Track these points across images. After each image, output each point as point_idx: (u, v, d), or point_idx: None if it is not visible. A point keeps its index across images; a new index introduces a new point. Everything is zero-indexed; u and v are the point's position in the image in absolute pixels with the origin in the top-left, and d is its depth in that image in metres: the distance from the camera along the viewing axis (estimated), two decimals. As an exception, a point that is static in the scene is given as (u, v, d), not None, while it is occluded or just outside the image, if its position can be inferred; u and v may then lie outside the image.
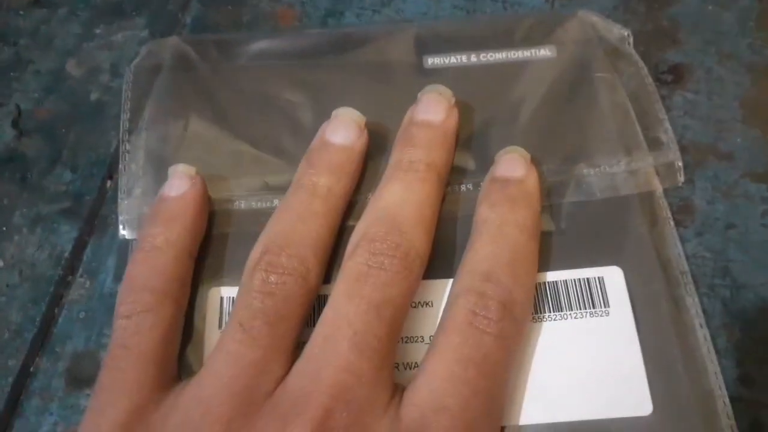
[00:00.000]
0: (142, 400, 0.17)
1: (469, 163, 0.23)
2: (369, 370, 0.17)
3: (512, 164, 0.21)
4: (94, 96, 0.25)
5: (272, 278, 0.18)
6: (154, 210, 0.20)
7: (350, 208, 0.21)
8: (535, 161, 0.22)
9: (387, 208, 0.20)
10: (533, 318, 0.20)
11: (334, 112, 0.22)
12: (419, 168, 0.20)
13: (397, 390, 0.18)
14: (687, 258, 0.22)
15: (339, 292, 0.18)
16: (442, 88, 0.22)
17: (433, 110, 0.22)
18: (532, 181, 0.21)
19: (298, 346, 0.18)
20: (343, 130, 0.21)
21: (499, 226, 0.20)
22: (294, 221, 0.19)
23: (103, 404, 0.17)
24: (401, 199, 0.20)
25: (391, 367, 0.18)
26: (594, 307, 0.20)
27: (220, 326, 0.20)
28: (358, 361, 0.17)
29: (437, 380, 0.17)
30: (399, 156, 0.21)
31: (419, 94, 0.22)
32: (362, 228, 0.19)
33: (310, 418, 0.16)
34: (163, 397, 0.18)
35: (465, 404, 0.17)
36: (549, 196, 0.22)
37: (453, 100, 0.22)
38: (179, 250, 0.19)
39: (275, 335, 0.18)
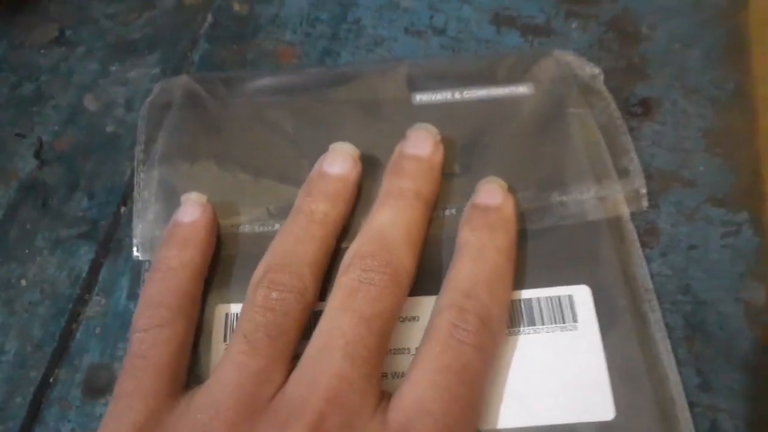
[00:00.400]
0: (158, 405, 0.19)
1: (453, 191, 0.25)
2: (360, 377, 0.19)
3: (491, 193, 0.23)
4: (109, 128, 0.27)
5: (274, 294, 0.20)
6: (169, 234, 0.22)
7: (344, 231, 0.24)
8: (513, 189, 0.24)
9: (378, 229, 0.22)
10: (510, 331, 0.22)
11: (331, 146, 0.24)
12: (408, 195, 0.22)
13: (385, 396, 0.20)
14: (652, 276, 0.24)
15: (333, 306, 0.20)
16: (429, 126, 0.24)
17: (421, 145, 0.24)
18: (509, 209, 0.23)
19: (295, 356, 0.20)
20: (339, 162, 0.23)
21: (479, 248, 0.22)
22: (294, 243, 0.22)
23: (122, 408, 0.19)
24: (391, 222, 0.22)
25: (380, 375, 0.20)
26: (564, 322, 0.22)
27: (225, 340, 0.22)
28: (350, 369, 0.19)
29: (421, 388, 0.19)
30: (389, 185, 0.23)
31: (408, 131, 0.24)
32: (355, 247, 0.21)
33: (306, 423, 0.18)
34: (176, 404, 0.19)
35: (446, 409, 0.19)
36: (525, 222, 0.24)
37: (438, 137, 0.24)
38: (192, 271, 0.22)
39: (276, 346, 0.20)
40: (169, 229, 0.23)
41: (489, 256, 0.22)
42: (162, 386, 0.19)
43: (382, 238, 0.21)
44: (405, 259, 0.21)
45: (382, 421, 0.19)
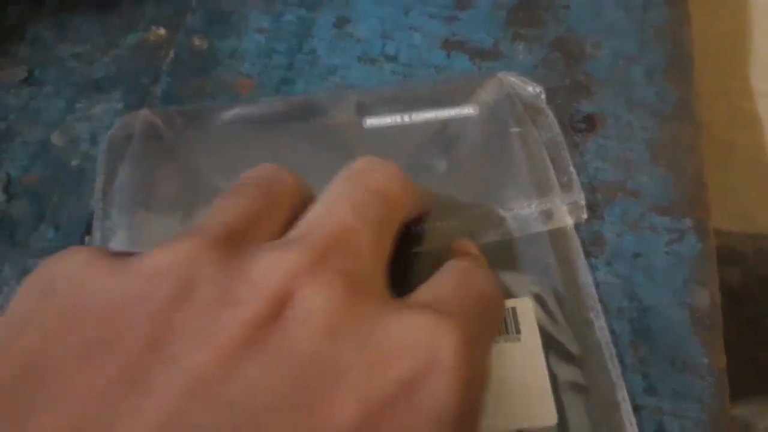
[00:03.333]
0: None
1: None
2: (369, 244, 0.17)
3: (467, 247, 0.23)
4: (75, 163, 0.28)
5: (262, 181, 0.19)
6: None
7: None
8: (461, 206, 0.25)
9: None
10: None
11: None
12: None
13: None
14: (598, 285, 0.25)
15: (333, 184, 0.19)
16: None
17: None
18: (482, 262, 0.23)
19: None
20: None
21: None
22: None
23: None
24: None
25: (386, 275, 0.18)
26: (508, 333, 0.23)
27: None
28: (359, 225, 0.17)
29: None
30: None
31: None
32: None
33: (311, 246, 0.16)
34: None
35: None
36: (473, 238, 0.25)
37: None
38: None
39: (268, 195, 0.18)
40: None
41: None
42: None
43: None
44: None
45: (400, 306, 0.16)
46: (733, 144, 0.64)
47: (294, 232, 0.17)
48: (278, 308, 0.15)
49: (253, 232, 0.17)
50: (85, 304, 0.15)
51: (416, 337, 0.15)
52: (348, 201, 0.18)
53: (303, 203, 0.19)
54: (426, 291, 0.17)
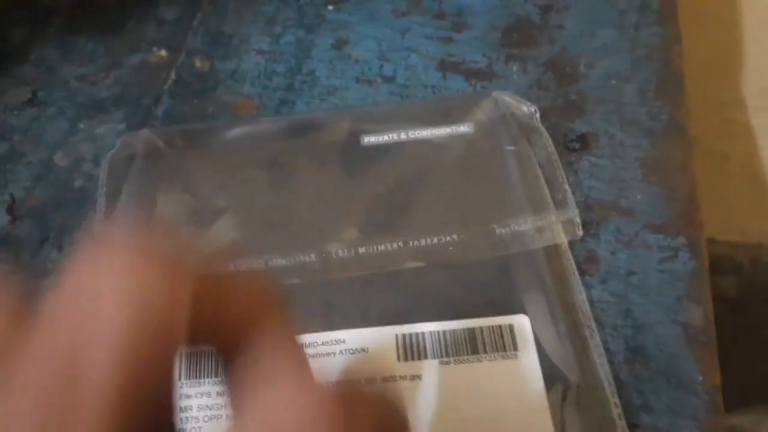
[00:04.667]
0: None
1: (400, 225, 0.26)
2: None
3: None
4: (78, 183, 0.29)
5: None
6: None
7: None
8: (456, 223, 0.26)
9: None
10: (454, 359, 0.23)
11: None
12: None
13: None
14: (592, 303, 0.25)
15: None
16: None
17: None
18: None
19: None
20: None
21: None
22: None
23: None
24: None
25: None
26: (505, 351, 0.23)
27: (179, 378, 0.23)
28: None
29: None
30: None
31: None
32: None
33: None
34: None
35: None
36: (468, 254, 0.25)
37: None
38: None
39: None
40: None
41: None
42: None
43: None
44: None
45: None
46: (727, 156, 0.65)
47: None
48: None
49: None
50: None
51: None
52: None
53: None
54: None
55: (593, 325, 0.24)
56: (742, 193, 0.67)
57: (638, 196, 0.28)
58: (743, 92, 0.59)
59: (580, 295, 0.25)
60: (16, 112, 0.31)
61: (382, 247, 0.25)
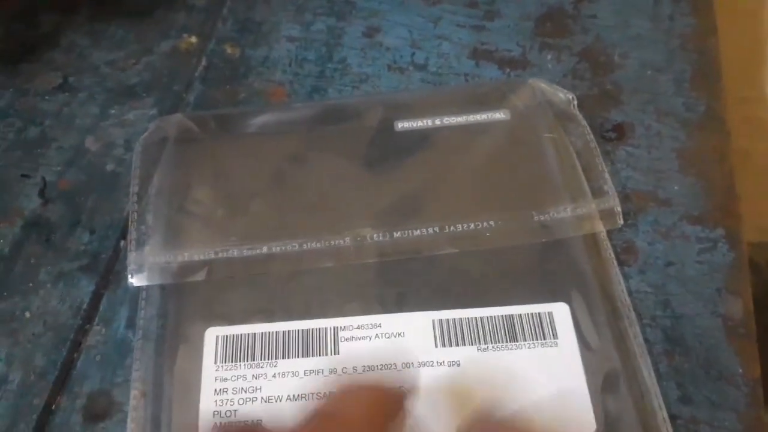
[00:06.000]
0: None
1: (437, 210, 0.26)
2: None
3: None
4: (109, 167, 0.29)
5: None
6: None
7: None
8: (494, 209, 0.25)
9: None
10: (493, 347, 0.23)
11: None
12: None
13: None
14: (631, 293, 0.25)
15: None
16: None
17: None
18: None
19: None
20: None
21: None
22: None
23: None
24: None
25: None
26: (545, 338, 0.23)
27: (215, 362, 0.23)
28: None
29: None
30: None
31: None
32: None
33: None
34: None
35: None
36: (505, 241, 0.25)
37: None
38: None
39: None
40: None
41: None
42: None
43: None
44: None
45: None
46: (749, 153, 0.64)
47: None
48: None
49: None
50: None
51: None
52: None
53: None
54: None
55: (632, 315, 0.24)
56: (762, 191, 0.67)
57: (675, 187, 0.28)
58: (766, 89, 0.58)
59: (619, 284, 0.24)
60: (47, 97, 0.31)
61: (418, 232, 0.25)
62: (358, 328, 0.23)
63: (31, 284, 0.26)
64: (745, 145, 0.64)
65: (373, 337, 0.23)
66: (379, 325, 0.23)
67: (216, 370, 0.22)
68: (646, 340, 0.24)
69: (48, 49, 0.33)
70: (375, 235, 0.25)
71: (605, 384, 0.22)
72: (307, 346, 0.23)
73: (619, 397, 0.22)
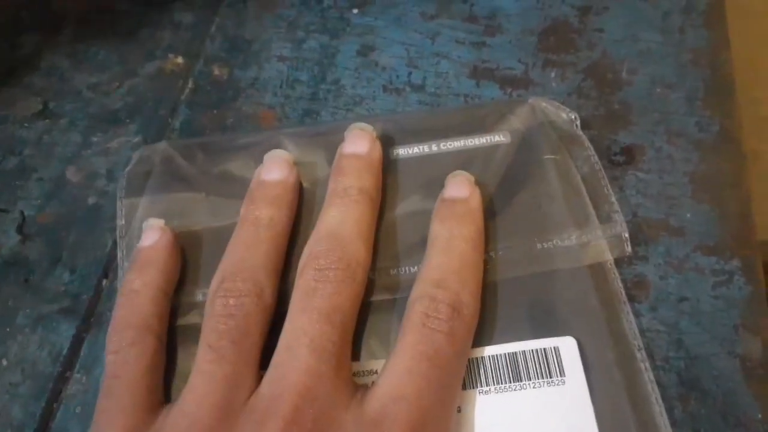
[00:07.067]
0: (135, 421, 0.20)
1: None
2: (328, 370, 0.20)
3: (459, 186, 0.24)
4: (91, 200, 0.27)
5: (231, 301, 0.21)
6: (132, 260, 0.23)
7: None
8: (494, 238, 0.24)
9: (328, 228, 0.23)
10: (495, 388, 0.22)
11: (265, 156, 0.25)
12: (352, 192, 0.23)
13: (360, 389, 0.20)
14: (642, 332, 0.23)
15: (294, 307, 0.21)
16: (364, 125, 0.26)
17: (359, 144, 0.25)
18: (475, 200, 0.24)
19: (262, 358, 0.21)
20: (276, 169, 0.25)
21: (448, 239, 0.23)
22: (244, 249, 0.22)
23: (101, 427, 0.20)
24: (340, 219, 0.23)
25: (349, 366, 0.21)
26: (551, 377, 0.22)
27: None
28: (317, 363, 0.20)
29: (395, 375, 0.20)
30: (333, 185, 0.24)
31: (345, 133, 0.25)
32: (308, 249, 0.22)
33: (281, 416, 0.19)
34: (154, 419, 0.20)
35: (419, 393, 0.19)
36: (506, 271, 0.24)
37: (374, 134, 0.25)
38: (154, 290, 0.22)
39: (241, 351, 0.20)
40: (132, 255, 0.23)
41: (457, 246, 0.22)
42: (137, 402, 0.20)
43: (332, 236, 0.22)
44: (357, 252, 0.22)
45: (358, 410, 0.19)
46: (758, 154, 0.63)
47: (264, 392, 0.20)
48: None
49: (235, 397, 0.20)
50: None
51: None
52: (304, 339, 0.20)
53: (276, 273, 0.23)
54: (381, 388, 0.20)
55: (644, 356, 0.22)
56: (772, 193, 0.65)
57: (688, 215, 0.26)
58: (776, 89, 0.56)
59: (629, 318, 0.23)
60: (26, 125, 0.30)
61: (413, 269, 0.24)
62: (355, 375, 0.22)
63: (8, 329, 0.25)
64: (755, 146, 0.62)
65: (370, 385, 0.22)
66: (375, 372, 0.22)
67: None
68: (659, 383, 0.22)
69: (27, 72, 0.31)
70: (369, 274, 0.23)
71: (616, 430, 0.21)
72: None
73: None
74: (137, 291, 0.22)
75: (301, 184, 0.26)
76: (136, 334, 0.21)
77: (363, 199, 0.23)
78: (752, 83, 0.56)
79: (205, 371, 0.20)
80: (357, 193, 0.23)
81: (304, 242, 0.23)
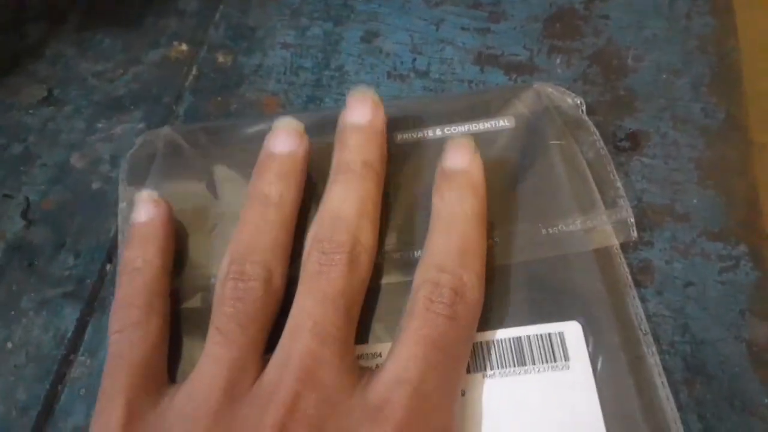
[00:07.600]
0: (139, 401, 0.20)
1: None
2: (331, 354, 0.20)
3: (458, 154, 0.23)
4: (95, 185, 0.27)
5: (240, 285, 0.21)
6: (129, 236, 0.23)
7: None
8: (499, 223, 0.24)
9: (332, 209, 0.22)
10: (500, 372, 0.22)
11: (273, 124, 0.24)
12: (355, 168, 0.23)
13: (366, 373, 0.20)
14: (648, 317, 0.23)
15: (300, 290, 0.21)
16: (364, 87, 0.24)
17: (360, 111, 0.24)
18: (476, 170, 0.23)
19: (274, 340, 0.21)
20: (284, 140, 0.24)
21: (448, 219, 0.22)
22: (253, 232, 0.22)
23: (105, 407, 0.20)
24: (343, 198, 0.22)
25: (353, 351, 0.21)
26: (555, 361, 0.21)
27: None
28: (320, 347, 0.19)
29: (399, 360, 0.20)
30: (337, 160, 0.23)
31: (347, 98, 0.24)
32: (312, 232, 0.22)
33: (282, 402, 0.18)
34: (159, 399, 0.20)
35: (423, 377, 0.19)
36: (512, 256, 0.24)
37: (377, 98, 0.24)
38: (156, 268, 0.22)
39: (248, 335, 0.20)
40: (129, 231, 0.23)
41: (458, 226, 0.22)
42: (141, 382, 0.20)
43: (336, 218, 0.22)
44: (361, 234, 0.22)
45: (362, 396, 0.19)
46: (765, 146, 0.62)
47: (268, 377, 0.20)
48: None
49: (241, 381, 0.20)
50: None
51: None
52: (308, 323, 0.20)
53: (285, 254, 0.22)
54: (385, 373, 0.20)
55: (651, 340, 0.22)
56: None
57: (694, 201, 0.26)
58: (784, 82, 0.56)
59: (634, 301, 0.23)
60: (31, 111, 0.30)
61: (418, 253, 0.24)
62: (360, 358, 0.22)
63: (12, 312, 0.25)
64: (760, 137, 0.62)
65: (374, 368, 0.22)
66: (380, 355, 0.22)
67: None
68: (665, 368, 0.22)
69: (32, 60, 0.31)
70: (377, 257, 0.23)
71: (621, 415, 0.21)
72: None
73: (636, 429, 0.20)
74: (139, 269, 0.22)
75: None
76: (140, 313, 0.21)
77: (367, 173, 0.23)
78: (760, 75, 0.55)
79: (212, 354, 0.20)
80: (361, 167, 0.23)
81: (314, 215, 0.23)
